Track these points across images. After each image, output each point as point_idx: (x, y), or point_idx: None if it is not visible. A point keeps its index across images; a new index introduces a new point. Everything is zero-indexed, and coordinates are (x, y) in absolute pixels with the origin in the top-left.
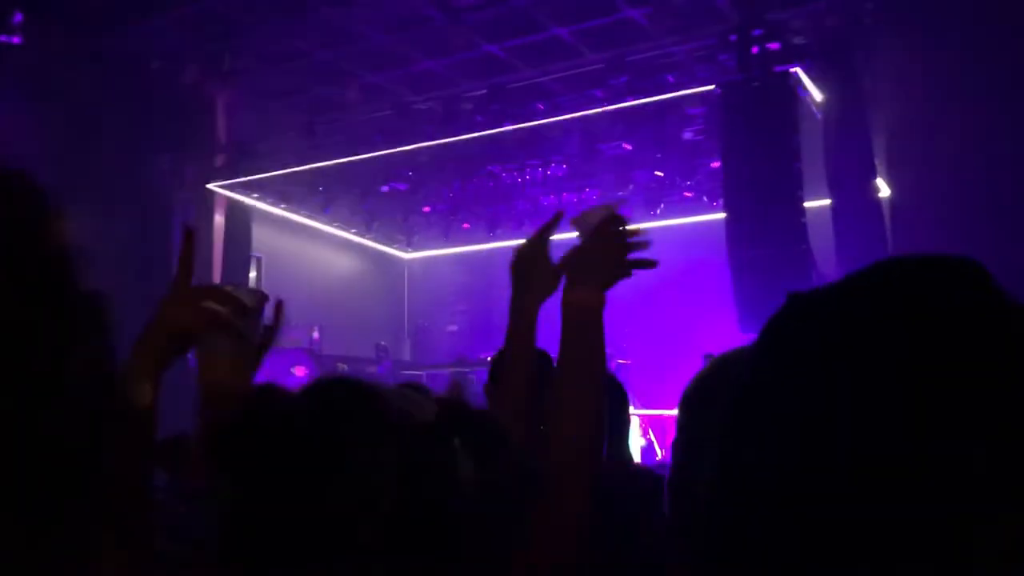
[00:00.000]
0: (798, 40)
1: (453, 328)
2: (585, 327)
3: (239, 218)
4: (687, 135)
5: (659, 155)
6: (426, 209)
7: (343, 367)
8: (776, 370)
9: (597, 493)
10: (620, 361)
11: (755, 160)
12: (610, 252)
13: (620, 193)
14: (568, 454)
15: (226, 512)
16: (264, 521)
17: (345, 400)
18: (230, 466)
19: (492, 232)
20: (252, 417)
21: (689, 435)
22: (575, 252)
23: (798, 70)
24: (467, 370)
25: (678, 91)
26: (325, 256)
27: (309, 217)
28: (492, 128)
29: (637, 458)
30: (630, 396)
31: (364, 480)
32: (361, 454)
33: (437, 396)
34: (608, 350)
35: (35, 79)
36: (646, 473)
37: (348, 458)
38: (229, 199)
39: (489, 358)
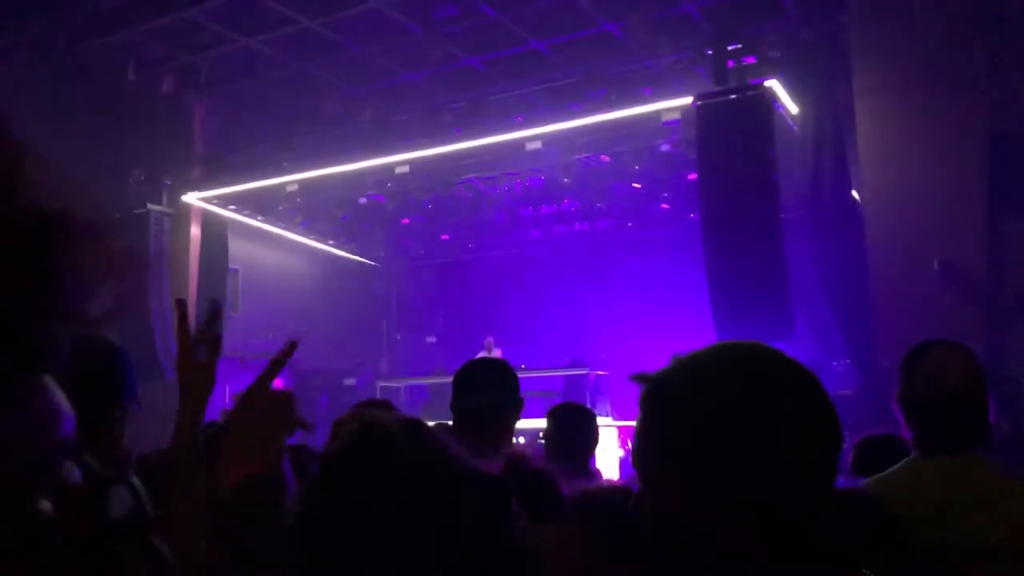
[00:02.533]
0: (774, 54)
1: (432, 339)
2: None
3: (215, 230)
4: (664, 147)
5: (636, 167)
6: (404, 221)
7: (320, 379)
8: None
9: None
10: (598, 372)
11: (732, 172)
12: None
13: (598, 204)
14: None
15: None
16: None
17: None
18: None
19: (471, 244)
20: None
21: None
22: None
23: (774, 83)
24: (445, 381)
25: (655, 104)
26: (302, 268)
27: (286, 229)
28: (471, 140)
29: (615, 470)
30: (608, 407)
31: (432, 534)
32: (433, 510)
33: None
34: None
35: (11, 87)
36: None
37: (418, 515)
38: (205, 211)
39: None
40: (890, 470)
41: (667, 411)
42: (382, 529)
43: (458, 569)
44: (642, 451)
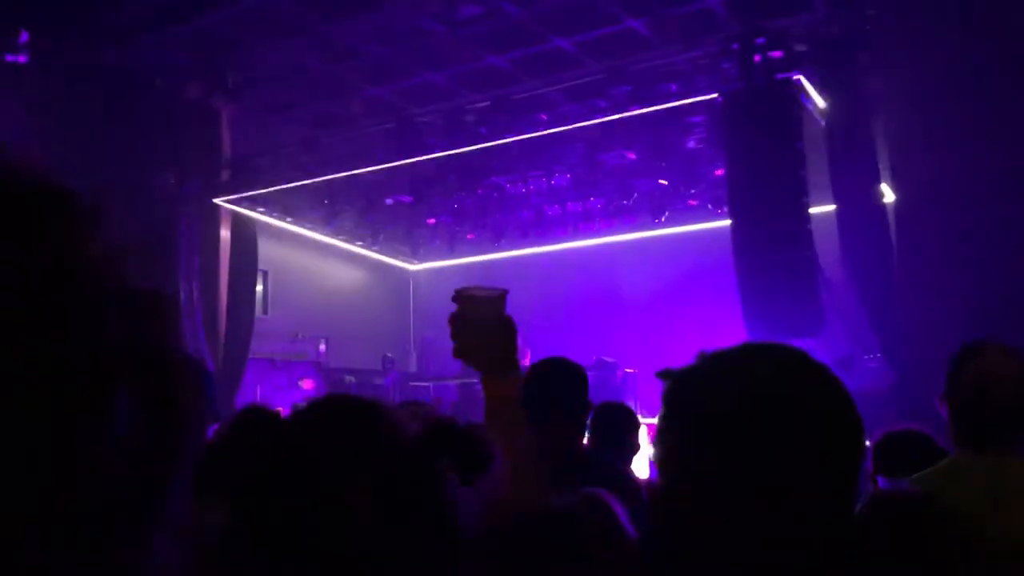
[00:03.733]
0: (800, 48)
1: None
2: (500, 413)
3: (245, 232)
4: (690, 143)
5: (663, 164)
6: (431, 221)
7: (351, 379)
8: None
9: None
10: (628, 370)
11: (759, 167)
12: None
13: (624, 202)
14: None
15: (215, 528)
16: (248, 535)
17: (328, 419)
18: (219, 485)
19: (497, 243)
20: (238, 438)
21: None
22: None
23: (800, 77)
24: (474, 381)
25: (681, 100)
26: (331, 269)
27: (314, 230)
28: (495, 139)
29: (645, 467)
30: (638, 405)
31: (337, 496)
32: (335, 471)
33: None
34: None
35: (40, 97)
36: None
37: (322, 476)
38: (234, 213)
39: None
40: (931, 468)
41: (689, 408)
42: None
43: (387, 539)
44: (661, 447)
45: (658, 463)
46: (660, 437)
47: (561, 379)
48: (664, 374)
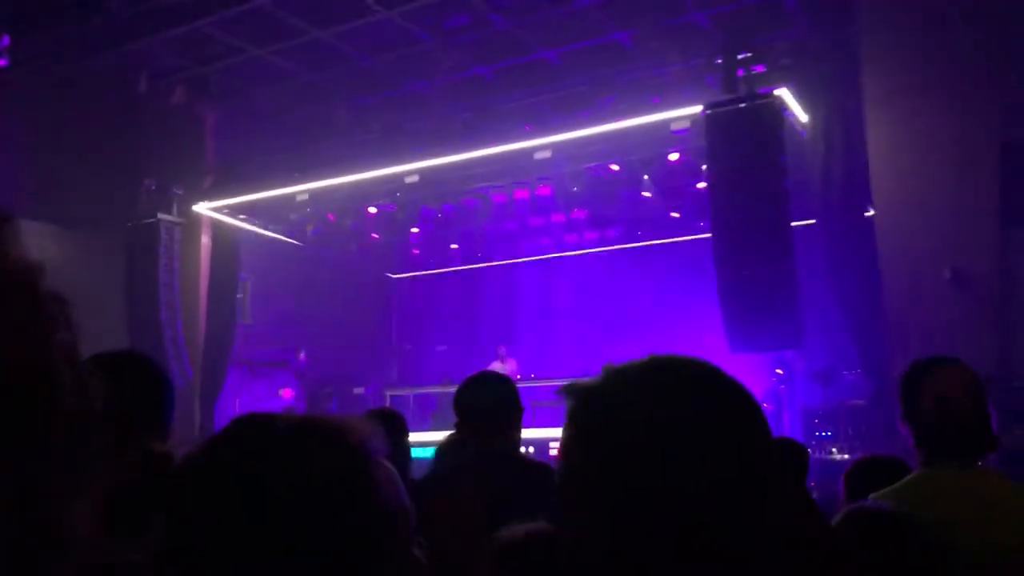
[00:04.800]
0: (783, 62)
1: (441, 348)
2: None
3: (226, 240)
4: (674, 156)
5: (646, 176)
6: (414, 230)
7: (329, 390)
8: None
9: None
10: None
11: (742, 180)
12: None
13: (607, 213)
14: None
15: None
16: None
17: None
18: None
19: (480, 252)
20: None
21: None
22: None
23: (784, 91)
24: (453, 389)
25: (664, 112)
26: (312, 277)
27: (296, 239)
28: (480, 149)
29: None
30: None
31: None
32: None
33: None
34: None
35: (22, 101)
36: None
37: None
38: (215, 221)
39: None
40: (897, 484)
41: (593, 425)
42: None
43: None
44: (562, 470)
45: (560, 480)
46: (564, 453)
47: (491, 388)
48: (567, 389)
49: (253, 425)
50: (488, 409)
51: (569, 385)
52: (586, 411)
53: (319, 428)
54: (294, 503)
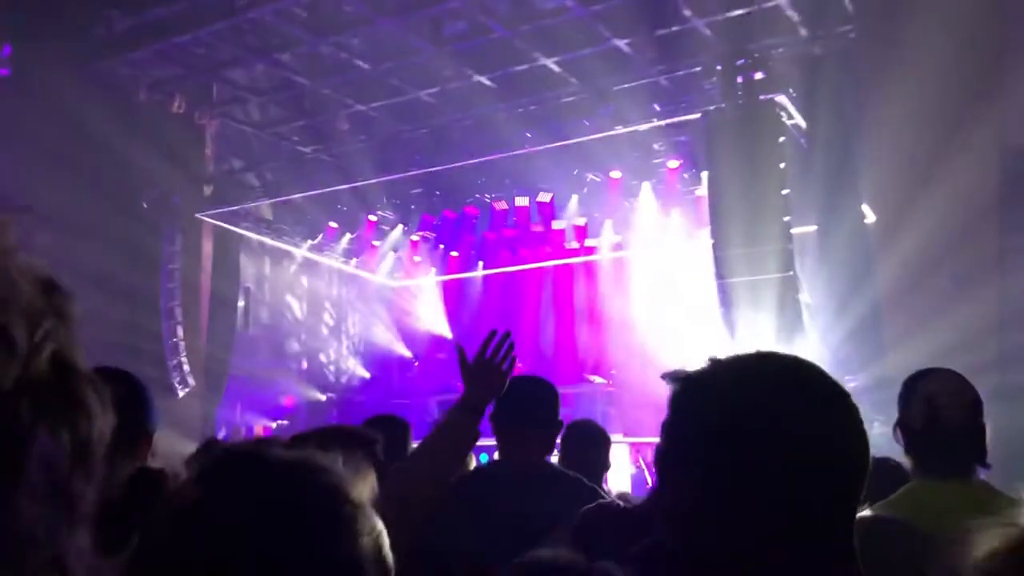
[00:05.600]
0: (782, 69)
1: (442, 356)
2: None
3: (227, 247)
4: (674, 163)
5: (646, 182)
6: (415, 238)
7: (331, 396)
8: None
9: None
10: (609, 388)
11: (741, 187)
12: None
13: (608, 220)
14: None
15: None
16: None
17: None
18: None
19: (480, 260)
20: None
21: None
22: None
23: (783, 98)
24: (455, 397)
25: (664, 119)
26: (313, 285)
27: (297, 246)
28: (480, 157)
29: (628, 487)
30: (619, 423)
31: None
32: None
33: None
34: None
35: (21, 110)
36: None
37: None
38: (217, 228)
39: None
40: (892, 496)
41: (695, 411)
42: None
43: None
44: (665, 450)
45: (659, 465)
46: (665, 439)
47: (534, 397)
48: (672, 376)
49: (237, 477)
50: (525, 418)
51: (674, 371)
52: (685, 394)
53: (305, 485)
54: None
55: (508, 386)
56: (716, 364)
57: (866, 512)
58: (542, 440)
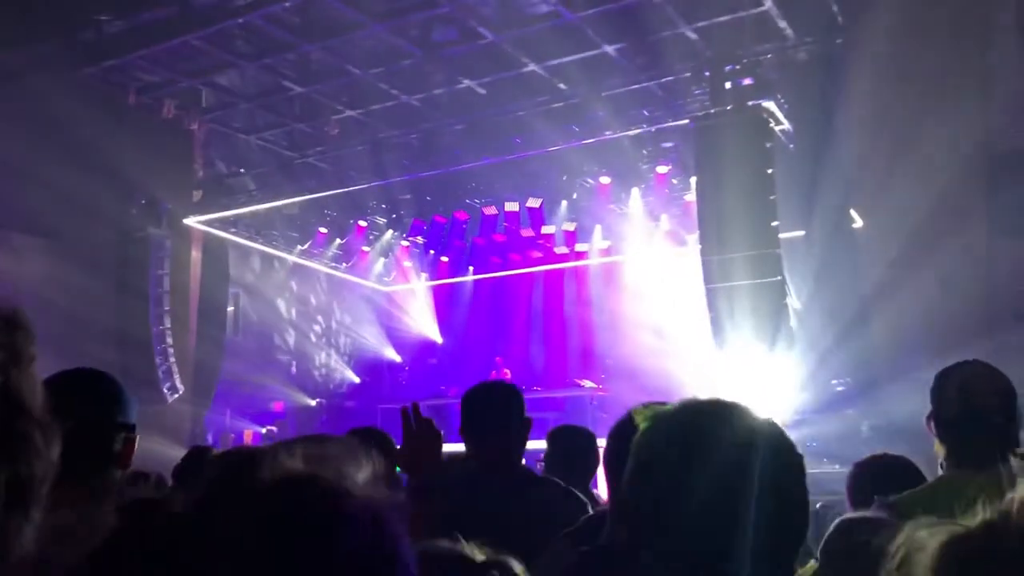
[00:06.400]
0: (771, 75)
1: (432, 361)
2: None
3: (216, 253)
4: (662, 168)
5: (634, 188)
6: (405, 243)
7: (320, 402)
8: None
9: None
10: (599, 392)
11: (729, 191)
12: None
13: (597, 225)
14: None
15: None
16: None
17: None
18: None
19: (470, 265)
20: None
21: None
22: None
23: (771, 104)
24: (444, 402)
25: (653, 125)
26: (303, 290)
27: (286, 251)
28: (470, 162)
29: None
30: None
31: None
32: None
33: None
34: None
35: (9, 115)
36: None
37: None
38: (206, 234)
39: None
40: (921, 486)
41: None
42: None
43: None
44: (631, 463)
45: (629, 467)
46: (634, 451)
47: (493, 403)
48: (642, 412)
49: (231, 503)
50: (494, 421)
51: (647, 407)
52: (649, 429)
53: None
54: None
55: (467, 396)
56: (675, 407)
57: (857, 513)
58: (510, 442)
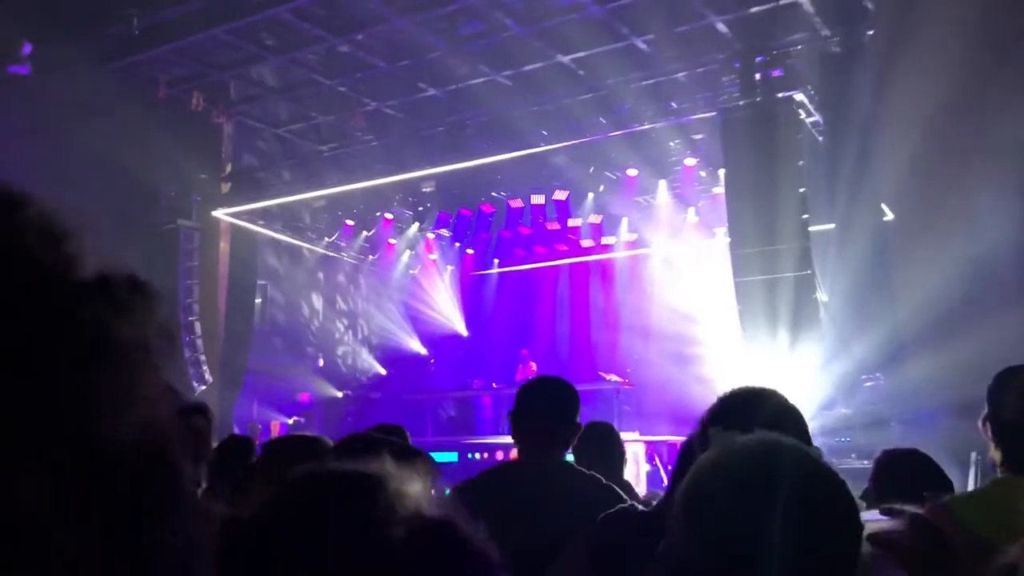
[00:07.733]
0: (800, 66)
1: (457, 353)
2: None
3: (244, 245)
4: (691, 160)
5: (663, 180)
6: (430, 235)
7: (347, 393)
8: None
9: None
10: (625, 385)
11: (758, 185)
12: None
13: (624, 218)
14: None
15: None
16: None
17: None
18: None
19: (496, 258)
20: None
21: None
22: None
23: (801, 95)
24: (470, 394)
25: (681, 117)
26: (329, 282)
27: (313, 244)
28: (496, 155)
29: (643, 485)
30: (636, 422)
31: None
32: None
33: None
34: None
35: (43, 108)
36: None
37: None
38: (234, 226)
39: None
40: (977, 488)
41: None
42: None
43: None
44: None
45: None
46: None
47: (554, 396)
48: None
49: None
50: (546, 417)
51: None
52: (697, 471)
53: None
54: None
55: (527, 385)
56: (725, 449)
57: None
58: (560, 438)
